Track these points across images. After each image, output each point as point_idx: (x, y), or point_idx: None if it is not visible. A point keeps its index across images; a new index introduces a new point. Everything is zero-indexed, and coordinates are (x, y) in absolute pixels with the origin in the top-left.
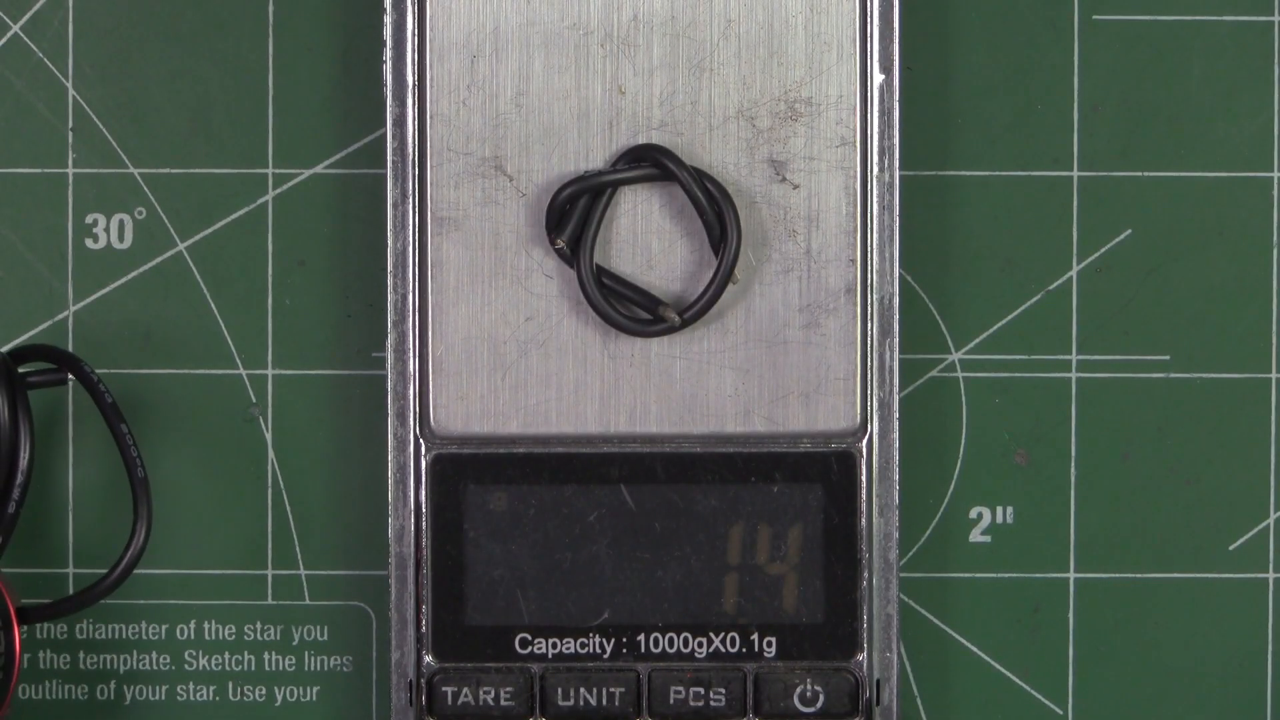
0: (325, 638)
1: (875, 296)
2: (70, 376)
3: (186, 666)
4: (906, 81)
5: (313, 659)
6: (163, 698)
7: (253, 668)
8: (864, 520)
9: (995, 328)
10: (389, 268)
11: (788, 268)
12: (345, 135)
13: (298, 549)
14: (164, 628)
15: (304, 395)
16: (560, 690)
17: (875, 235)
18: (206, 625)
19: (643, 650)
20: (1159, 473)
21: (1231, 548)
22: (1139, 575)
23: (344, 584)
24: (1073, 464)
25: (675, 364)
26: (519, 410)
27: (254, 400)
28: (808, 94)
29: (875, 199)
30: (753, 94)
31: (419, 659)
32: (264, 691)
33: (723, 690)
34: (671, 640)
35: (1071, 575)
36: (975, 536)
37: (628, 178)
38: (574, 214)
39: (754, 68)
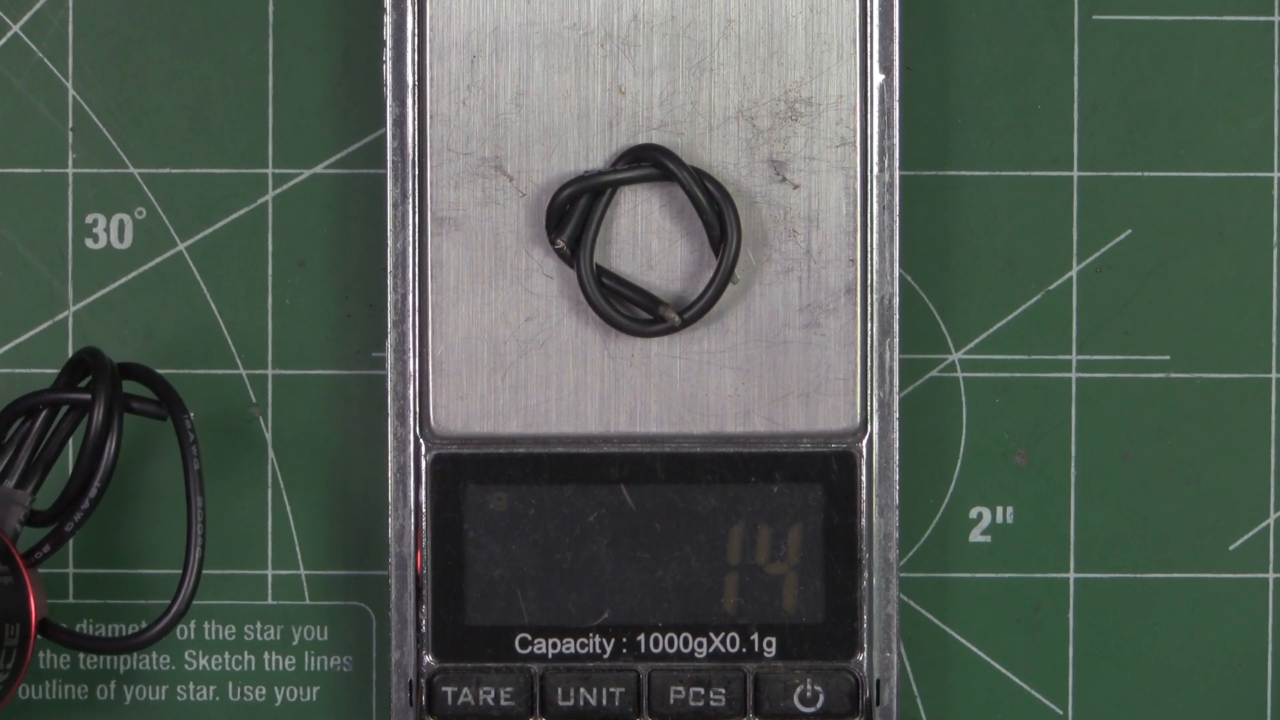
0: (325, 638)
1: (875, 296)
2: (168, 418)
3: (186, 666)
4: (906, 81)
5: (313, 659)
6: (163, 698)
7: (253, 668)
8: (864, 520)
9: (995, 328)
10: (389, 268)
11: (788, 268)
12: (345, 135)
13: (298, 549)
14: None
15: (304, 395)
16: (560, 690)
17: (875, 235)
18: (206, 625)
19: (643, 650)
20: (1159, 473)
21: (1231, 548)
22: (1139, 575)
23: (344, 584)
24: (1073, 464)
25: (675, 364)
26: (519, 410)
27: (254, 400)
28: (808, 94)
29: (875, 199)
30: (753, 94)
31: (419, 659)
32: (264, 691)
33: (723, 690)
34: (671, 640)
35: (1071, 575)
36: (975, 536)
37: (628, 178)
38: (574, 214)
39: (754, 68)
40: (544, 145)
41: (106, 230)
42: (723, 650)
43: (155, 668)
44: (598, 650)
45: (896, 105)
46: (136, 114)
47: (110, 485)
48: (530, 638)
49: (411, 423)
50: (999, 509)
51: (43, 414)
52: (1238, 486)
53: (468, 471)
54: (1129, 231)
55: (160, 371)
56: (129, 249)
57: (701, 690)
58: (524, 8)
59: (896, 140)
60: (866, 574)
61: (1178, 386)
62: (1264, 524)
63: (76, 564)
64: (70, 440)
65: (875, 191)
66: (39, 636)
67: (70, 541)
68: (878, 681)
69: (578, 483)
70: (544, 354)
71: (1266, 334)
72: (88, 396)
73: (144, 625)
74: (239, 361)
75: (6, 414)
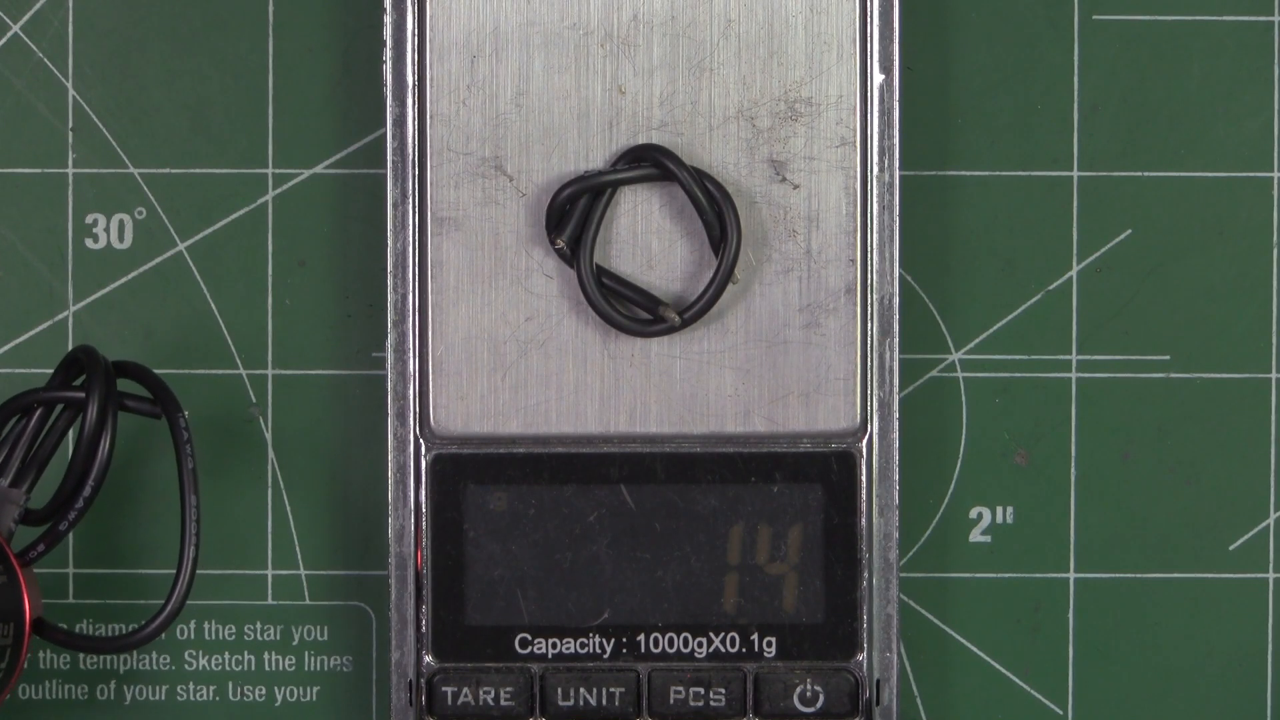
0: (325, 638)
1: (875, 296)
2: (163, 416)
3: (186, 666)
4: (906, 81)
5: (313, 659)
6: (163, 698)
7: (253, 668)
8: (864, 520)
9: (995, 328)
10: (389, 268)
11: (788, 268)
12: (345, 135)
13: (298, 549)
14: None
15: (304, 395)
16: (560, 690)
17: (875, 235)
18: (206, 625)
19: (643, 650)
20: (1159, 473)
21: (1231, 548)
22: (1139, 575)
23: (344, 584)
24: (1073, 464)
25: (675, 364)
26: (519, 410)
27: (254, 400)
28: (808, 94)
29: (875, 199)
30: (753, 94)
31: (419, 659)
32: (264, 691)
33: (723, 690)
34: (671, 640)
35: (1071, 575)
36: (975, 536)
37: (628, 178)
38: (574, 214)
39: (754, 68)
40: (544, 145)
41: (106, 230)
42: (723, 650)
43: (155, 668)
44: (598, 650)
45: (896, 105)
46: (136, 114)
47: (110, 485)
48: (530, 638)
49: (411, 423)
50: (999, 509)
51: (37, 412)
52: (1238, 486)
53: (468, 471)
54: (1129, 231)
55: (160, 371)
56: (129, 249)
57: (701, 690)
58: (524, 8)
59: (896, 140)
60: (866, 574)
61: (1178, 386)
62: (1264, 524)
63: (76, 564)
64: (69, 438)
65: (875, 191)
66: (34, 636)
67: (70, 542)
68: (878, 681)
69: (578, 483)
70: (544, 354)
71: (1266, 334)
72: (82, 395)
73: (141, 624)
74: (239, 361)
75: (1, 413)
